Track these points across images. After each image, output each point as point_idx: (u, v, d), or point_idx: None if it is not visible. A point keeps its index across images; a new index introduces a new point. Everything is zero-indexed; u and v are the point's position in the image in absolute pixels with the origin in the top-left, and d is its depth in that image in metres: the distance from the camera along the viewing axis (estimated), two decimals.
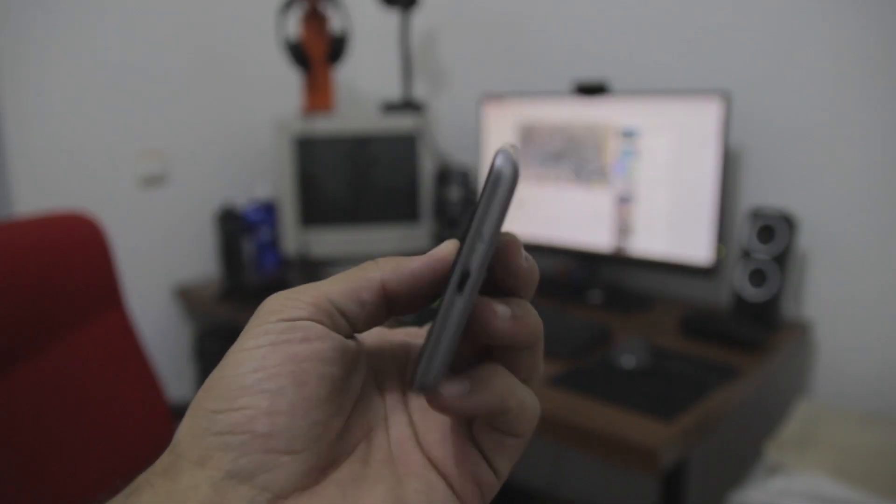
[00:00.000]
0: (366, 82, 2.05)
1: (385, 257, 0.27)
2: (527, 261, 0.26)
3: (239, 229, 1.67)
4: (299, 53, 1.68)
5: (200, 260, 1.79)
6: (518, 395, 0.25)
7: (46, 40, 1.46)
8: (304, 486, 0.23)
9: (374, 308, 0.26)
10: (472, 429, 0.27)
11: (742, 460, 1.36)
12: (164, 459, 0.23)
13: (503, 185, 0.24)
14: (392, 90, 1.97)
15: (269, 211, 1.78)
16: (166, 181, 1.71)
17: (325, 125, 1.65)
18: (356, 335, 0.27)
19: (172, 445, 0.24)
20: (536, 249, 1.57)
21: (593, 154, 1.47)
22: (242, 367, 0.23)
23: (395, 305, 0.26)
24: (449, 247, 0.27)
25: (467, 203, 1.64)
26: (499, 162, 0.24)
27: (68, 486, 0.94)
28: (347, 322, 0.26)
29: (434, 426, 0.27)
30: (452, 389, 0.24)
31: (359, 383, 0.27)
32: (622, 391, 1.05)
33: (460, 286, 0.23)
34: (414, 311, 0.27)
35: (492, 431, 0.26)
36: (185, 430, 0.23)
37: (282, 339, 0.24)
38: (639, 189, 1.41)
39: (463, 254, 0.24)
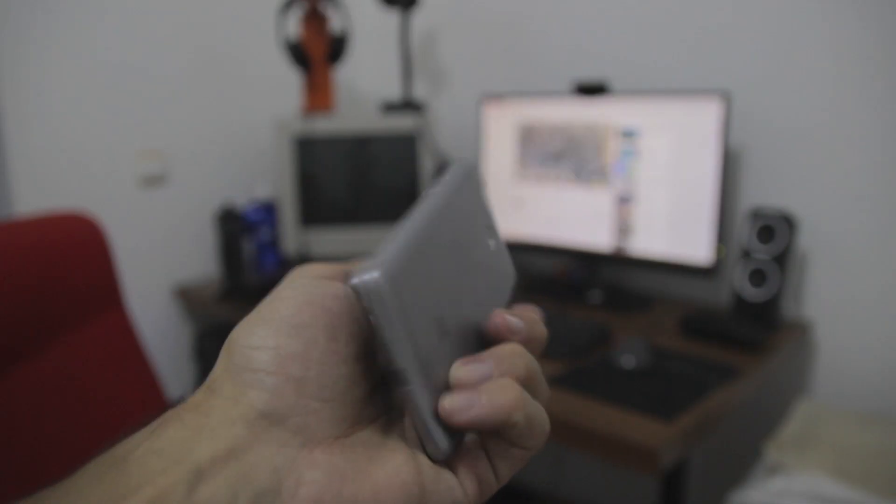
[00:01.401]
0: (366, 82, 2.05)
1: None
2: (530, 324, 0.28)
3: (239, 229, 1.67)
4: (299, 53, 1.67)
5: (200, 260, 1.79)
6: (527, 410, 0.25)
7: (46, 40, 1.46)
8: (335, 435, 0.24)
9: None
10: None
11: (742, 460, 1.36)
12: (198, 395, 0.24)
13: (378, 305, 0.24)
14: (392, 90, 1.97)
15: (269, 211, 1.78)
16: (166, 181, 1.71)
17: (325, 125, 1.65)
18: None
19: (208, 382, 0.24)
20: (536, 249, 1.57)
21: (593, 154, 1.47)
22: (280, 311, 0.24)
23: None
24: None
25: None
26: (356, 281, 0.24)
27: None
28: None
29: None
30: (455, 403, 0.25)
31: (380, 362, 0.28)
32: (622, 391, 1.05)
33: (401, 383, 0.25)
34: None
35: (499, 439, 0.26)
36: (220, 368, 0.24)
37: (318, 294, 0.25)
38: (639, 189, 1.41)
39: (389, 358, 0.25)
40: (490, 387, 0.25)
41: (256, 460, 0.22)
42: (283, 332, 0.24)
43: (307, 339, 0.24)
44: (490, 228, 0.34)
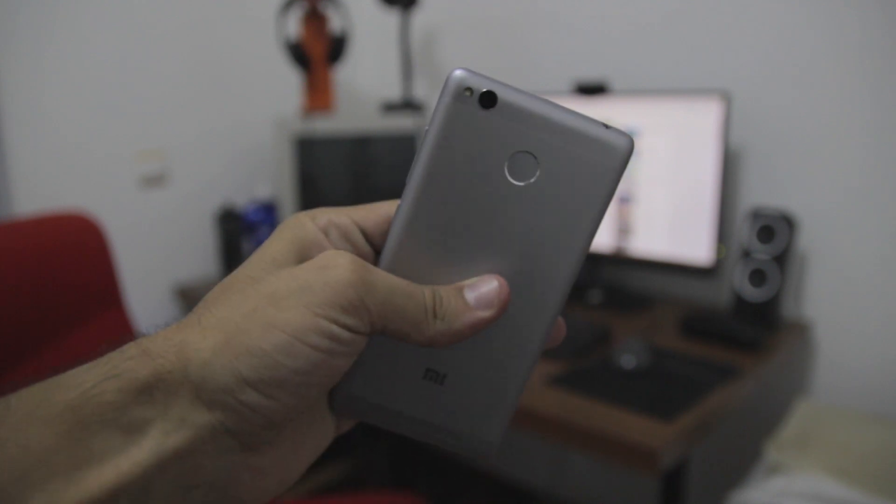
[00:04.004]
0: (366, 82, 2.05)
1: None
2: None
3: (239, 229, 1.67)
4: (299, 53, 1.67)
5: (200, 260, 1.79)
6: None
7: (46, 40, 1.46)
8: (270, 442, 0.28)
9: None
10: None
11: (742, 460, 1.36)
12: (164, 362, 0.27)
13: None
14: (392, 90, 1.97)
15: (269, 211, 1.78)
16: (166, 181, 1.71)
17: (325, 125, 1.65)
18: None
19: (196, 363, 0.27)
20: None
21: None
22: (269, 339, 0.26)
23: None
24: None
25: None
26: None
27: None
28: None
29: None
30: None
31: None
32: (622, 391, 1.05)
33: None
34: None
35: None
36: (211, 377, 0.26)
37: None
38: (639, 189, 1.41)
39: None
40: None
41: (203, 462, 0.26)
42: (258, 385, 0.26)
43: (279, 402, 0.27)
44: (520, 155, 0.25)
